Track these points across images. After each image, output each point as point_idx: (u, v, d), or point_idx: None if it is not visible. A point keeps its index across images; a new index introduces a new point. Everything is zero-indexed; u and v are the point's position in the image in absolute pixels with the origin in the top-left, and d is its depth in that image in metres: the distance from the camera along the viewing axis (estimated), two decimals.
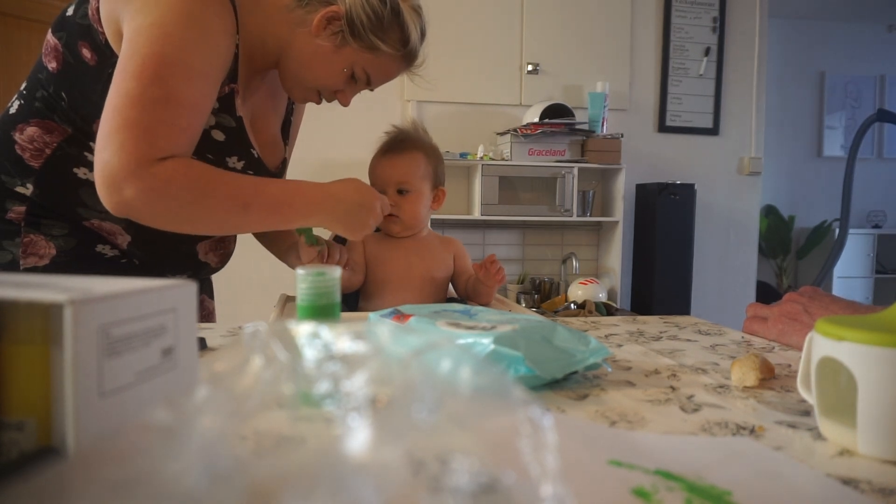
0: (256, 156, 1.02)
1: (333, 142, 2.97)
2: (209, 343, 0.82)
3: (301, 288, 0.62)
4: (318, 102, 1.06)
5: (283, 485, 0.27)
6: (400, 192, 1.22)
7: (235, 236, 1.19)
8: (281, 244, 1.23)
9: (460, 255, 1.29)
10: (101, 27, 0.89)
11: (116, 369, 0.36)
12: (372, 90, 1.07)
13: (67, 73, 0.92)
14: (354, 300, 1.32)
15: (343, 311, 0.90)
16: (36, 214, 0.95)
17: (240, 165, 1.00)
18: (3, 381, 0.35)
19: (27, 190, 0.95)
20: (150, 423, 0.28)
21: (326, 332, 0.35)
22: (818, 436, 0.53)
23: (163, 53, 0.82)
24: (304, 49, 0.97)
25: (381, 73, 1.03)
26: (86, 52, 0.91)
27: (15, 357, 0.35)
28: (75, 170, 0.95)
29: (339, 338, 0.35)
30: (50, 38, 0.94)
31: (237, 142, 0.98)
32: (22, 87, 0.99)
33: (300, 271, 0.62)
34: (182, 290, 0.42)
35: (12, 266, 0.95)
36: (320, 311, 0.62)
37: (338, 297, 0.64)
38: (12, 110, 0.98)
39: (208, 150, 0.96)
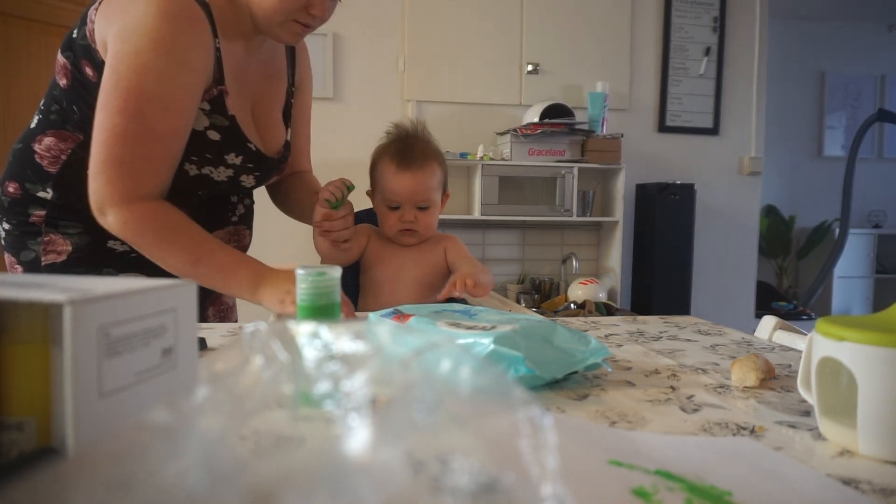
0: (255, 149, 1.09)
1: (333, 142, 2.96)
2: (209, 343, 0.82)
3: (301, 288, 0.62)
4: (304, 30, 1.04)
5: (283, 485, 0.27)
6: (419, 207, 1.23)
7: (249, 229, 1.25)
8: (307, 214, 1.23)
9: (452, 249, 1.28)
10: (97, 47, 0.98)
11: (116, 369, 0.36)
12: None
13: (76, 88, 1.02)
14: (353, 300, 1.32)
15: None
16: (54, 216, 1.05)
17: (238, 160, 1.08)
18: (3, 381, 0.35)
19: (47, 194, 1.05)
20: (150, 423, 0.28)
21: (326, 332, 0.35)
22: (818, 436, 0.53)
23: (140, 87, 0.92)
24: None
25: None
26: (88, 70, 1.00)
27: (15, 357, 0.35)
28: (87, 171, 1.02)
29: (339, 338, 0.35)
30: (59, 57, 1.04)
31: (233, 139, 1.06)
32: (40, 104, 1.09)
33: (300, 271, 0.62)
34: (182, 290, 0.42)
35: (35, 263, 1.05)
36: (320, 311, 0.62)
37: (338, 297, 0.64)
38: (32, 125, 1.08)
39: (206, 150, 1.04)
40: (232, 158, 1.06)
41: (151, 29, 0.92)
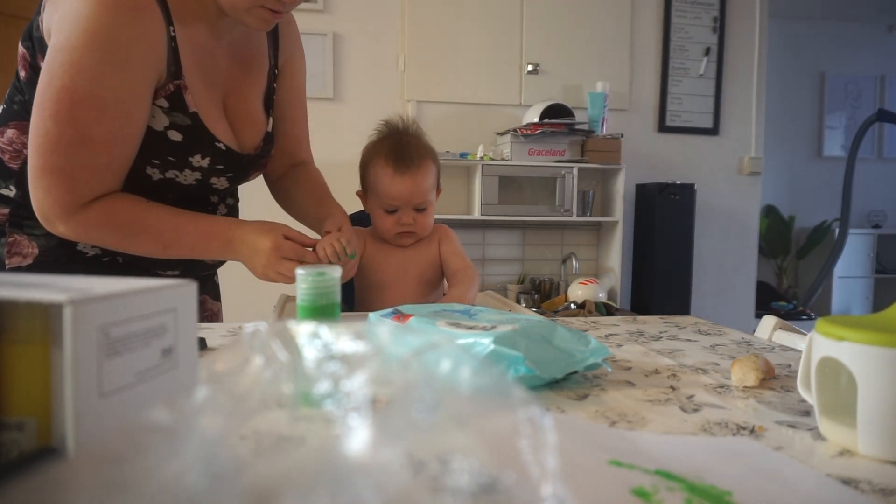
0: (224, 148, 1.00)
1: (333, 142, 2.96)
2: (209, 343, 0.82)
3: (301, 288, 0.62)
4: (273, 16, 0.95)
5: (283, 485, 0.27)
6: (417, 209, 1.20)
7: None
8: (311, 221, 1.17)
9: (445, 242, 1.27)
10: (46, 38, 0.91)
11: (116, 369, 0.36)
12: None
13: (34, 80, 0.93)
14: (350, 301, 1.32)
15: (343, 310, 0.90)
16: (19, 215, 0.98)
17: (205, 162, 0.99)
18: (3, 381, 0.35)
19: (10, 192, 0.98)
20: (150, 423, 0.28)
21: (326, 332, 0.35)
22: (818, 436, 0.53)
23: (73, 88, 0.84)
24: None
25: None
26: (41, 63, 0.92)
27: (15, 357, 0.35)
28: None
29: (339, 338, 0.35)
30: (20, 47, 0.98)
31: (197, 139, 0.97)
32: (6, 95, 1.02)
33: (300, 271, 0.62)
34: (182, 290, 0.42)
35: None
36: (320, 311, 0.62)
37: (338, 297, 0.64)
38: None
39: (168, 153, 0.95)
40: (198, 160, 0.98)
41: (87, 20, 0.83)
